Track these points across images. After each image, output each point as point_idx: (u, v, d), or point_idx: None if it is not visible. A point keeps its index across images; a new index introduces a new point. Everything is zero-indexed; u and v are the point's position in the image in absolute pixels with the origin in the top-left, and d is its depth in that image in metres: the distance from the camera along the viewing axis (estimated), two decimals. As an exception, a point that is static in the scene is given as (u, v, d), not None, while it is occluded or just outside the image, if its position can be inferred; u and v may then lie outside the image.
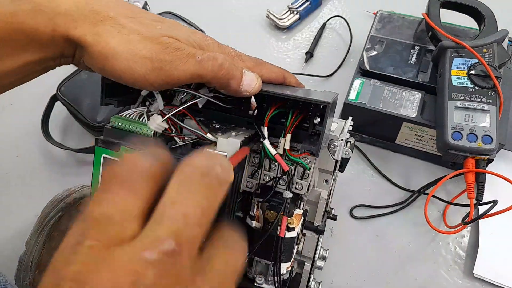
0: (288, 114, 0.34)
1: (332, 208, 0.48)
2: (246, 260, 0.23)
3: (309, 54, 0.77)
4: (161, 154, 0.22)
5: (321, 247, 0.43)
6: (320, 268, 0.42)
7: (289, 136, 0.34)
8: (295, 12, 0.81)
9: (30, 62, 0.31)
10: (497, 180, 0.52)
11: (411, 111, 0.60)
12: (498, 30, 0.59)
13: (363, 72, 0.64)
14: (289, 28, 0.81)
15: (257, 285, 0.37)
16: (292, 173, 0.35)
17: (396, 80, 0.62)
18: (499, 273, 0.56)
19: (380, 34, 0.67)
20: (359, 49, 0.74)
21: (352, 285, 0.57)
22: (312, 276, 0.41)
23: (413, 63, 0.63)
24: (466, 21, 0.64)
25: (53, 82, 0.66)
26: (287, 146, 0.34)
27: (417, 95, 0.61)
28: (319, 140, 0.32)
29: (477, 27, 0.63)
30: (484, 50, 0.57)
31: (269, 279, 0.37)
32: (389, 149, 0.66)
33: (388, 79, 0.63)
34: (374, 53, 0.65)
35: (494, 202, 0.52)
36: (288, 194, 0.33)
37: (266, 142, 0.33)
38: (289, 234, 0.34)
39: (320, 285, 0.42)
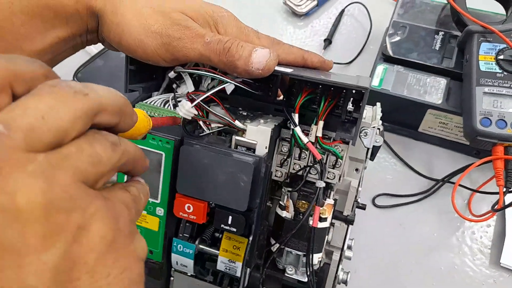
0: (320, 100, 0.32)
1: (358, 197, 0.46)
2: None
3: (328, 41, 0.74)
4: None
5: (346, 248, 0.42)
6: (349, 258, 0.40)
7: (321, 123, 0.32)
8: (313, -2, 0.78)
9: (59, 40, 0.31)
10: (527, 168, 0.50)
11: (436, 98, 0.58)
12: (527, 13, 0.56)
13: (385, 58, 0.62)
14: (307, 14, 0.78)
15: (287, 275, 0.35)
16: (324, 161, 0.33)
17: (420, 66, 0.60)
18: (527, 262, 0.53)
19: (402, 20, 0.64)
20: (378, 36, 0.72)
21: (376, 274, 0.55)
22: (340, 266, 0.40)
23: (437, 48, 0.61)
24: (491, 7, 0.61)
25: (69, 69, 0.65)
26: (319, 134, 0.32)
27: (442, 82, 0.58)
28: (355, 127, 0.30)
29: (503, 12, 0.60)
30: (513, 35, 0.54)
31: (299, 270, 0.35)
32: (411, 137, 0.64)
33: (412, 65, 0.60)
34: (397, 38, 0.62)
35: (525, 189, 0.50)
36: (321, 184, 0.31)
37: (298, 129, 0.32)
38: (321, 225, 0.33)
39: (349, 275, 0.41)
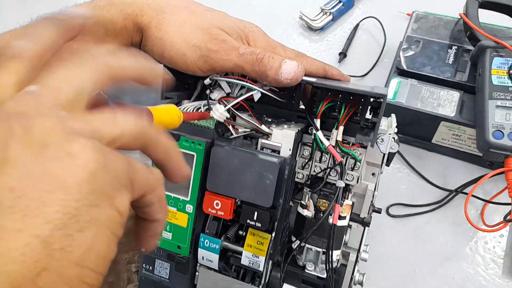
0: (340, 107, 0.36)
1: (374, 202, 0.49)
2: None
3: (343, 55, 0.78)
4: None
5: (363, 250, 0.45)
6: (365, 260, 0.43)
7: (341, 128, 0.36)
8: (328, 13, 0.83)
9: None
10: (538, 179, 0.53)
11: (449, 110, 0.61)
12: (539, 29, 0.60)
13: (400, 72, 0.66)
14: (322, 29, 0.83)
15: (307, 271, 0.39)
16: (344, 163, 0.37)
17: (434, 80, 0.63)
18: (540, 273, 0.56)
19: (416, 34, 0.68)
20: (392, 50, 0.76)
21: (390, 282, 0.58)
22: (356, 268, 0.43)
23: (450, 62, 0.64)
24: (504, 21, 0.64)
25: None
26: (339, 138, 0.36)
27: (455, 95, 0.62)
28: (374, 131, 0.34)
29: (515, 26, 0.64)
30: (525, 50, 0.58)
31: (319, 266, 0.39)
32: (425, 149, 0.67)
33: (426, 78, 0.64)
34: (411, 53, 0.66)
35: (536, 200, 0.52)
36: (341, 183, 0.35)
37: (320, 133, 0.35)
38: (341, 223, 0.36)
39: (364, 276, 0.44)
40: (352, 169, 0.37)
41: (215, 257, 0.38)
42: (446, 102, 0.62)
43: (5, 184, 0.18)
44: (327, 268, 0.37)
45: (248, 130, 0.37)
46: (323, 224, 0.36)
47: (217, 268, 0.39)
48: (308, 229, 0.37)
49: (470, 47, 0.64)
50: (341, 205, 0.36)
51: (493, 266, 0.58)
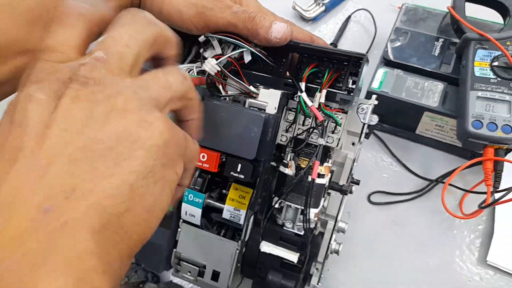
0: (324, 72, 0.40)
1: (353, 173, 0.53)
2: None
3: (334, 45, 0.83)
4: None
5: (340, 219, 0.49)
6: (343, 231, 0.47)
7: (324, 91, 0.40)
8: (321, 4, 0.88)
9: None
10: (515, 169, 0.58)
11: (432, 101, 0.66)
12: (523, 24, 0.65)
13: (386, 62, 0.71)
14: (315, 20, 0.88)
15: (285, 229, 0.42)
16: (325, 125, 0.41)
17: (419, 71, 0.68)
18: (513, 261, 0.61)
19: (404, 26, 0.73)
20: (382, 41, 0.81)
21: (368, 266, 0.62)
22: (334, 236, 0.47)
23: (436, 54, 0.69)
24: (491, 16, 0.70)
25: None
26: (322, 100, 0.40)
27: (439, 86, 0.67)
28: (355, 89, 0.38)
29: (501, 21, 0.69)
30: (508, 43, 0.63)
31: (297, 224, 0.42)
32: (409, 139, 0.72)
33: (411, 69, 0.69)
34: (398, 44, 0.71)
35: (510, 188, 0.57)
36: (321, 141, 0.39)
37: (304, 95, 0.40)
38: (319, 181, 0.40)
39: (341, 246, 0.47)
40: (333, 132, 0.42)
41: (198, 212, 0.41)
42: (430, 92, 0.67)
43: (97, 137, 0.22)
44: (305, 226, 0.40)
45: (238, 92, 0.41)
46: (303, 181, 0.40)
47: (199, 224, 0.43)
48: (288, 186, 0.41)
49: (457, 40, 0.69)
50: (321, 164, 0.40)
51: (468, 255, 0.62)
